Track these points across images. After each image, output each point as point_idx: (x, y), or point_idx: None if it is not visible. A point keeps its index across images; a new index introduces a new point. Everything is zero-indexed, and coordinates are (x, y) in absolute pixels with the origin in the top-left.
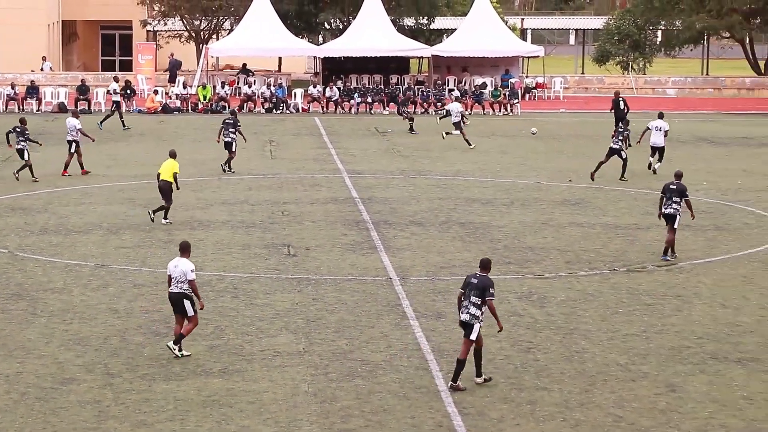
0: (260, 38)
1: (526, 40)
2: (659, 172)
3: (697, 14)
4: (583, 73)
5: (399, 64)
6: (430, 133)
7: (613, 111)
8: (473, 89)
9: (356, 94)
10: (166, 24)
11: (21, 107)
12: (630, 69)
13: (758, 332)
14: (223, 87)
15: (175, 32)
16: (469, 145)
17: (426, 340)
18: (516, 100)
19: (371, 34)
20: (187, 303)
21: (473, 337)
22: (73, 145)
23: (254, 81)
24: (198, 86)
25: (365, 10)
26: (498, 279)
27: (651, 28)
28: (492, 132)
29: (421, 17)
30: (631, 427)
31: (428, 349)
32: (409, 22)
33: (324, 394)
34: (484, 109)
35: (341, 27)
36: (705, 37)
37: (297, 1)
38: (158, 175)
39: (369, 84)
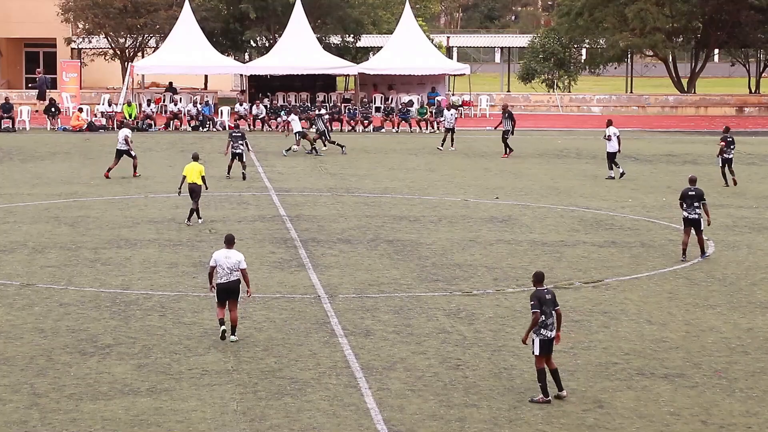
0: (186, 56)
1: (452, 58)
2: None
3: (620, 33)
4: (509, 91)
5: (325, 82)
6: (357, 150)
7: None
8: (400, 107)
9: (282, 112)
10: (90, 42)
11: None
12: (555, 87)
13: (683, 348)
14: (149, 105)
15: (100, 50)
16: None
17: (355, 357)
18: (442, 118)
19: (298, 51)
20: (239, 292)
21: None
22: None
23: (180, 99)
24: (123, 104)
25: (291, 28)
26: (426, 296)
27: (575, 46)
28: (419, 149)
29: (347, 35)
30: None
31: (357, 367)
32: (335, 40)
33: (253, 412)
34: (410, 127)
35: (267, 45)
36: (629, 56)
37: (223, 18)
38: (183, 178)
39: (295, 101)
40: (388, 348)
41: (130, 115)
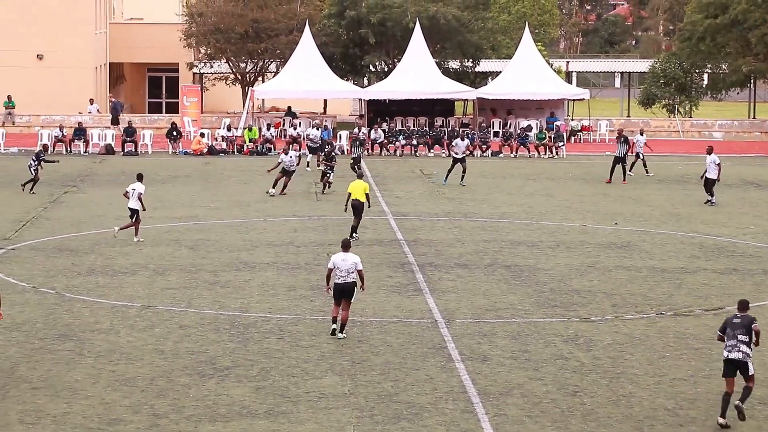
0: (305, 80)
1: (571, 83)
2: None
3: (743, 57)
4: (628, 116)
5: (444, 107)
6: (476, 175)
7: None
8: (518, 132)
9: (401, 136)
10: (212, 66)
11: (68, 149)
12: (676, 112)
13: None
14: (268, 129)
15: (221, 74)
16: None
17: (471, 382)
18: (561, 143)
19: (416, 76)
20: (354, 292)
21: (752, 372)
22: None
23: (300, 123)
24: (244, 128)
25: (410, 53)
26: (543, 322)
27: (697, 71)
28: (537, 175)
29: (466, 60)
30: None
31: (474, 392)
32: (454, 64)
33: None
34: (529, 152)
35: (386, 69)
36: (752, 80)
37: (342, 43)
38: (349, 195)
39: (414, 126)
40: (505, 374)
41: (250, 139)
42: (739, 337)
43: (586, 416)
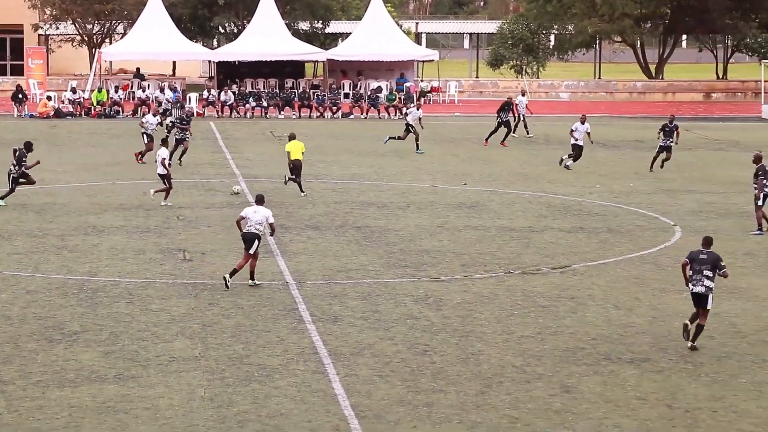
0: (154, 42)
1: (420, 44)
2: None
3: (589, 19)
4: (477, 77)
5: (294, 69)
6: (326, 136)
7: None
8: (369, 93)
9: (251, 98)
10: (58, 28)
11: None
12: (524, 73)
13: (650, 333)
14: (116, 91)
15: (68, 36)
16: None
17: (323, 343)
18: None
19: (266, 38)
20: (256, 242)
21: (710, 306)
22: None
23: (148, 85)
24: (92, 91)
25: (260, 15)
26: (394, 282)
27: (544, 32)
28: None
29: (315, 21)
30: (527, 428)
31: (325, 353)
32: (303, 26)
33: (220, 398)
34: (379, 113)
35: (236, 31)
36: (597, 42)
37: (191, 5)
38: (288, 155)
39: (264, 88)
40: (355, 334)
41: (99, 102)
42: (704, 272)
43: (436, 374)
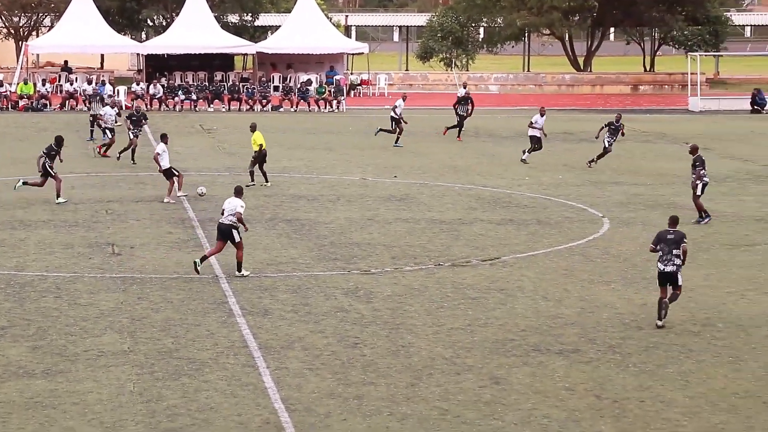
0: (82, 35)
1: (350, 37)
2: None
3: (518, 11)
4: (407, 70)
5: (223, 61)
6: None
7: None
8: (298, 86)
9: (180, 92)
10: None
11: None
12: (453, 66)
13: (578, 324)
14: (44, 84)
15: None
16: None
17: (253, 337)
18: (341, 97)
19: (195, 31)
20: (234, 232)
21: (681, 283)
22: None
23: (76, 78)
24: (18, 84)
25: (188, 7)
26: (324, 275)
27: (473, 25)
28: (318, 129)
29: (245, 14)
30: (457, 419)
31: (255, 346)
32: (233, 18)
33: (150, 393)
34: (309, 106)
35: (164, 24)
36: (526, 34)
37: None
38: (261, 146)
39: (193, 81)
40: (286, 327)
41: (26, 95)
42: (674, 251)
43: (366, 367)
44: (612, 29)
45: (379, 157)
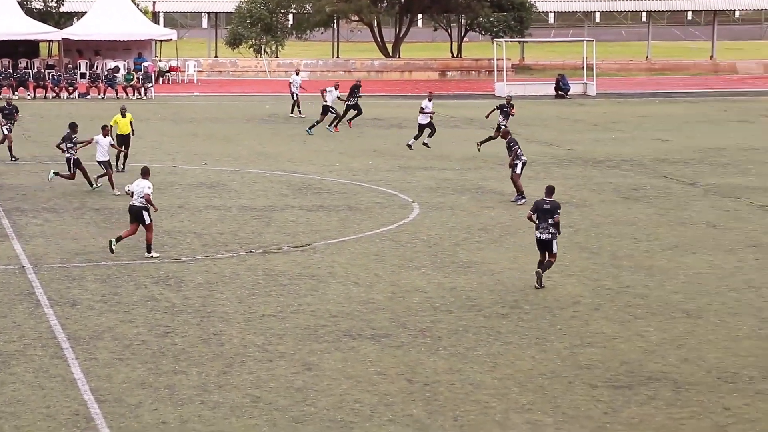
0: None
1: (158, 24)
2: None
3: None
4: (216, 57)
5: (28, 48)
6: (64, 117)
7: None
8: (106, 73)
9: None
10: None
11: None
12: (263, 52)
13: (389, 309)
14: None
15: None
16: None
17: (61, 328)
18: (150, 84)
19: None
20: (145, 214)
21: (555, 250)
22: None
23: None
24: None
25: None
26: (134, 264)
27: (282, 11)
28: None
29: (50, 0)
30: (269, 406)
31: (63, 337)
32: (37, 5)
33: None
34: (117, 93)
35: None
36: (335, 21)
37: None
38: (113, 128)
39: None
40: (95, 317)
41: None
42: (549, 221)
43: (178, 356)
44: (420, 16)
45: (188, 144)
